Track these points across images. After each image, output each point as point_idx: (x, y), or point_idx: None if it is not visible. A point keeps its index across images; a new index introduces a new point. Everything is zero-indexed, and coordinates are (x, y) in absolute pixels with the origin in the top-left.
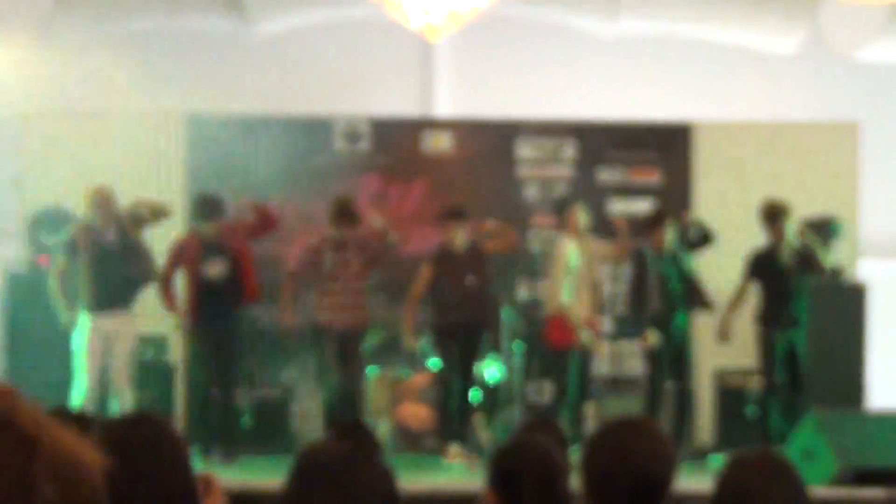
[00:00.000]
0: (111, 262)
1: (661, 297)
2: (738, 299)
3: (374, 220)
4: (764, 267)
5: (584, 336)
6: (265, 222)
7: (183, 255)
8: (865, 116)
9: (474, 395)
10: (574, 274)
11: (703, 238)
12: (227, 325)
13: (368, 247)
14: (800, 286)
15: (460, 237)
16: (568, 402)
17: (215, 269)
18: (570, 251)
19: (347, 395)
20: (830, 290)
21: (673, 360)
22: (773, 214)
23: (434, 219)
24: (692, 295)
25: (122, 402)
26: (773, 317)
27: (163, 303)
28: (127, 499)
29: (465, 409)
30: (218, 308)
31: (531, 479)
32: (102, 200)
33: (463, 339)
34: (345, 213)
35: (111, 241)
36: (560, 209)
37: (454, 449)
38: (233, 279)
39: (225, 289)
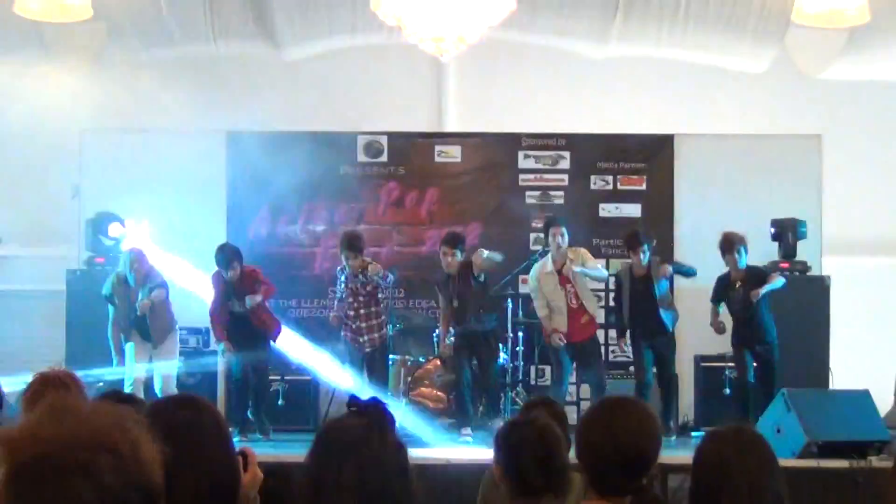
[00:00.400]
0: (143, 317)
1: (639, 309)
2: (713, 315)
3: (372, 268)
4: (723, 293)
5: (554, 340)
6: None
7: (219, 294)
8: (828, 129)
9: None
10: (547, 295)
11: (684, 272)
12: (259, 344)
13: (370, 280)
14: (758, 306)
15: (453, 262)
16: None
17: (237, 307)
18: (544, 278)
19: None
20: (798, 283)
21: (657, 353)
22: (727, 246)
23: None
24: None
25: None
26: (740, 337)
27: (214, 333)
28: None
29: (477, 395)
30: (243, 331)
31: (532, 453)
32: (136, 262)
33: (475, 341)
34: (350, 245)
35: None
36: (545, 229)
37: (466, 430)
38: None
39: (247, 319)
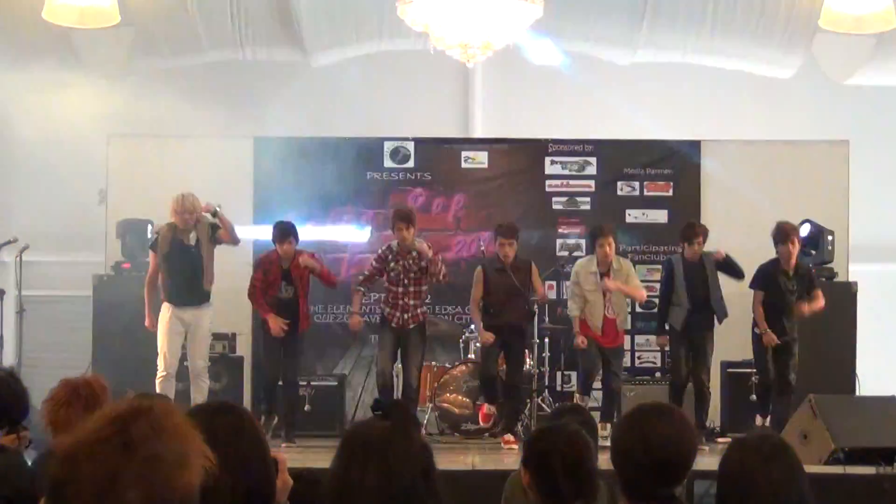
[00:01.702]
0: (188, 264)
1: (693, 294)
2: (756, 303)
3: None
4: (766, 280)
5: (577, 342)
6: (327, 280)
7: (267, 276)
8: (855, 135)
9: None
10: (585, 291)
11: (734, 271)
12: (291, 338)
13: (424, 257)
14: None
15: (511, 252)
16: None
17: (285, 292)
18: (585, 275)
19: (405, 384)
20: (826, 289)
21: (695, 350)
22: (782, 236)
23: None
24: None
25: (199, 389)
26: (774, 329)
27: (259, 308)
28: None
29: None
30: (286, 316)
31: (561, 459)
32: (186, 206)
33: (504, 338)
34: (405, 217)
35: (190, 246)
36: (592, 238)
37: (508, 437)
38: (296, 301)
39: (290, 307)
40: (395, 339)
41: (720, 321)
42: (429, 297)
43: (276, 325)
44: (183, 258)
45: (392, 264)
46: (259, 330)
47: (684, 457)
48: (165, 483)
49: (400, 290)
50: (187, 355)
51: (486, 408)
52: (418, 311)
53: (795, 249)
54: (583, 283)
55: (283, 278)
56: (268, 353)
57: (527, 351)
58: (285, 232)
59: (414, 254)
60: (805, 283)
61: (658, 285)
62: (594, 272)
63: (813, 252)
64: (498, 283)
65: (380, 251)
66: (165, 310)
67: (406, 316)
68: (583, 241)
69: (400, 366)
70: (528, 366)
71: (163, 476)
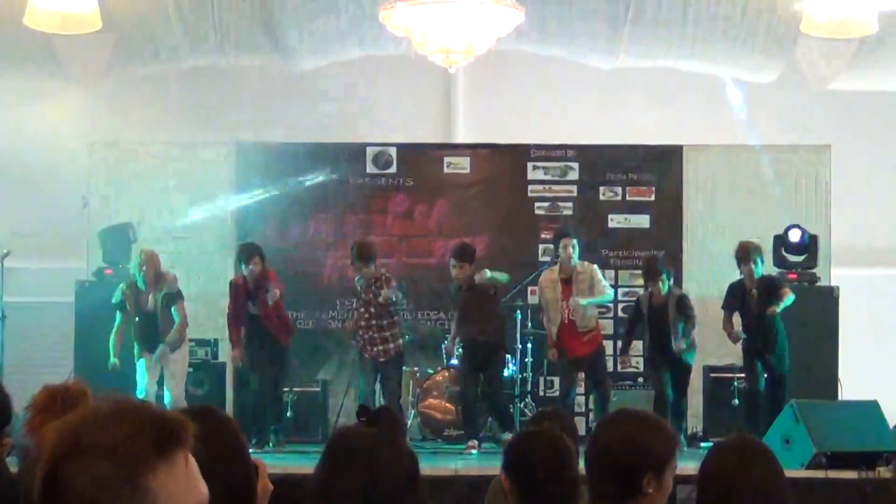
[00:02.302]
0: (153, 321)
1: (655, 340)
2: (726, 321)
3: (384, 294)
4: (735, 300)
5: (549, 355)
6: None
7: (237, 296)
8: (837, 140)
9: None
10: (546, 301)
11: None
12: (274, 348)
13: (389, 286)
14: (772, 318)
15: (460, 274)
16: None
17: (254, 310)
18: (548, 283)
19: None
20: (806, 294)
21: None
22: (744, 255)
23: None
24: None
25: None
26: (753, 347)
27: (230, 338)
28: None
29: (484, 407)
30: (260, 333)
31: (542, 465)
32: (148, 263)
33: (481, 352)
34: (360, 255)
35: (152, 307)
36: (555, 239)
37: (471, 443)
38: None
39: (263, 321)
40: (374, 368)
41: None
42: (399, 329)
43: (237, 357)
44: (142, 316)
45: (362, 293)
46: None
47: (643, 455)
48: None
49: (362, 322)
50: (164, 388)
51: (471, 442)
52: (389, 345)
53: (757, 268)
54: (546, 291)
55: (248, 296)
56: (253, 365)
57: (508, 356)
58: (250, 252)
59: (378, 284)
60: (770, 290)
61: (640, 290)
62: (556, 279)
63: (801, 258)
64: (458, 303)
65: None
66: (141, 363)
67: (377, 349)
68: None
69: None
70: (510, 370)
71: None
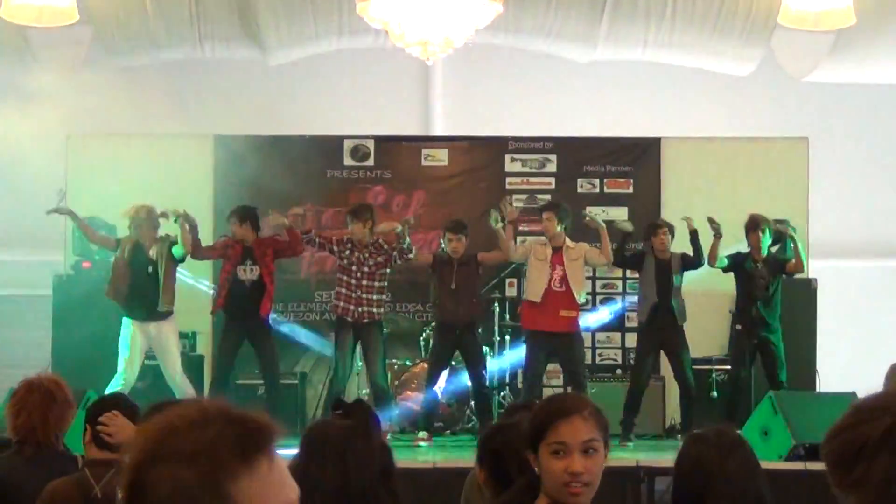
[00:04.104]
0: (149, 280)
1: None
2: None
3: (390, 225)
4: (739, 267)
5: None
6: (293, 246)
7: (227, 252)
8: (815, 132)
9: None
10: (532, 266)
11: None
12: (257, 326)
13: (381, 250)
14: (773, 293)
15: (459, 247)
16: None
17: (247, 273)
18: (536, 248)
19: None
20: (785, 286)
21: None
22: (752, 225)
23: (436, 228)
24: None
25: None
26: (745, 317)
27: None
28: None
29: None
30: (245, 306)
31: (514, 456)
32: (145, 218)
33: (458, 335)
34: (354, 211)
35: (150, 259)
36: (539, 213)
37: (423, 434)
38: (258, 285)
39: (252, 291)
40: (353, 336)
41: (680, 322)
42: (387, 295)
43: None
44: (140, 270)
45: (346, 252)
46: (221, 327)
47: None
48: None
49: (353, 281)
50: (162, 371)
51: (422, 434)
52: (375, 308)
53: (764, 238)
54: (534, 251)
55: (246, 256)
56: (222, 344)
57: (486, 348)
58: (241, 215)
59: (371, 248)
60: (776, 268)
61: (617, 282)
62: (545, 244)
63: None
64: (443, 278)
65: (339, 238)
66: (127, 324)
67: (361, 309)
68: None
69: (363, 367)
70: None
71: None
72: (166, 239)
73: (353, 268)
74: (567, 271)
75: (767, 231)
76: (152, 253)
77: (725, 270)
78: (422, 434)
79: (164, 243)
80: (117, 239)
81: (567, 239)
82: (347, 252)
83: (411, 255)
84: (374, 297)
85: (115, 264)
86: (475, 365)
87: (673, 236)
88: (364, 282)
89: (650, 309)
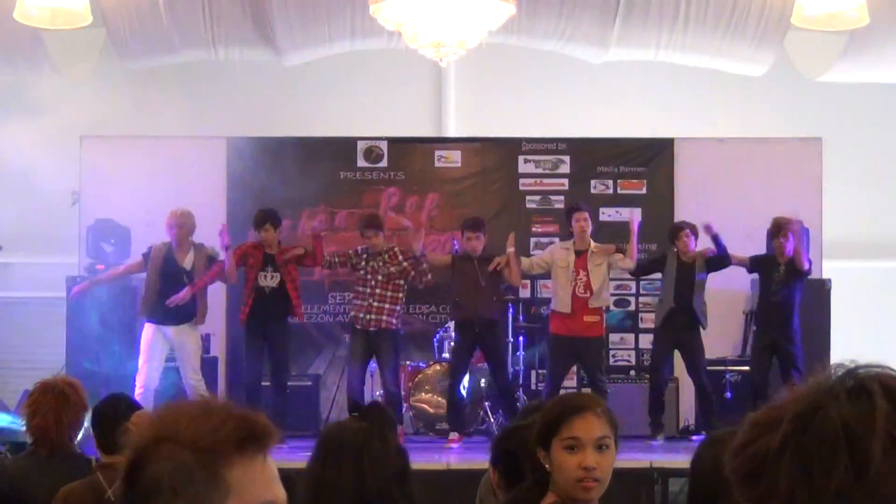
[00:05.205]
0: (179, 283)
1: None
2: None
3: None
4: (762, 267)
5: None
6: (316, 256)
7: (248, 259)
8: (828, 132)
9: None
10: (556, 273)
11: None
12: (275, 329)
13: (396, 261)
14: (796, 297)
15: (478, 245)
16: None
17: (268, 280)
18: (559, 252)
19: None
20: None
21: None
22: (775, 229)
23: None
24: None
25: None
26: (768, 324)
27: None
28: None
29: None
30: (268, 312)
31: (529, 458)
32: (183, 223)
33: (477, 333)
34: (372, 224)
35: (184, 267)
36: (567, 215)
37: (453, 435)
38: (282, 291)
39: (274, 297)
40: (366, 345)
41: (703, 327)
42: (402, 307)
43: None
44: (174, 279)
45: (362, 263)
46: (235, 328)
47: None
48: None
49: (367, 290)
50: (180, 372)
51: (453, 435)
52: (385, 316)
53: (787, 242)
54: (556, 258)
55: (267, 262)
56: (248, 351)
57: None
58: (261, 218)
59: (385, 257)
60: (794, 274)
61: (630, 283)
62: (569, 248)
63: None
64: (466, 276)
65: (354, 249)
66: (148, 329)
67: (371, 317)
68: (556, 240)
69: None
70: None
71: None
72: (201, 248)
73: (368, 276)
74: (591, 277)
75: (791, 236)
76: (186, 261)
77: (750, 271)
78: (453, 436)
79: (200, 252)
80: (144, 253)
81: (592, 242)
82: (363, 263)
83: (429, 277)
84: (387, 305)
85: (147, 280)
86: (499, 365)
87: (697, 237)
88: (378, 290)
89: (668, 311)
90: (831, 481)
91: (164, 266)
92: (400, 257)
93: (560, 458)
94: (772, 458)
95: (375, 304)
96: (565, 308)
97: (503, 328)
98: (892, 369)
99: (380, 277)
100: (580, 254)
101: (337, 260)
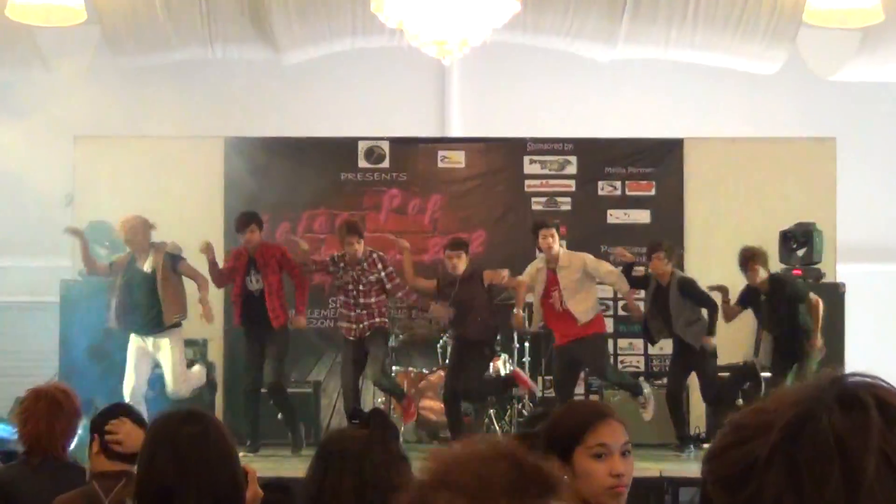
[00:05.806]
0: (150, 294)
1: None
2: (732, 309)
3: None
4: (749, 301)
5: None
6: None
7: (237, 261)
8: (842, 132)
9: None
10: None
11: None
12: (268, 330)
13: (375, 269)
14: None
15: (459, 264)
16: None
17: (254, 283)
18: (535, 272)
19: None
20: (813, 290)
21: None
22: (741, 262)
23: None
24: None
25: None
26: (783, 353)
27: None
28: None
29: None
30: (259, 315)
31: None
32: (133, 229)
33: (466, 349)
34: (350, 229)
35: (146, 273)
36: (534, 231)
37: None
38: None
39: (261, 300)
40: (357, 350)
41: (695, 345)
42: (386, 308)
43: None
44: (137, 285)
45: (340, 273)
46: (233, 334)
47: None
48: None
49: (351, 300)
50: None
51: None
52: (376, 318)
53: (758, 273)
54: (532, 274)
55: (250, 265)
56: (246, 356)
57: (505, 356)
58: (245, 220)
59: (364, 265)
60: (786, 295)
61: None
62: (542, 267)
63: (800, 252)
64: (450, 298)
65: (331, 256)
66: (132, 337)
67: (361, 326)
68: (564, 242)
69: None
70: (502, 372)
71: None
72: (161, 246)
73: (350, 286)
74: (563, 294)
75: (757, 267)
76: (147, 265)
77: (743, 308)
78: None
79: (159, 252)
80: (110, 262)
81: (562, 252)
82: (341, 271)
83: (400, 294)
84: (375, 310)
85: (109, 290)
86: (470, 376)
87: (671, 258)
88: (361, 300)
89: (657, 332)
90: (822, 494)
91: (128, 274)
92: (379, 265)
93: (587, 466)
94: (759, 466)
95: (363, 312)
96: (536, 327)
97: (490, 347)
98: (882, 379)
99: (361, 287)
100: (553, 272)
101: (314, 267)
